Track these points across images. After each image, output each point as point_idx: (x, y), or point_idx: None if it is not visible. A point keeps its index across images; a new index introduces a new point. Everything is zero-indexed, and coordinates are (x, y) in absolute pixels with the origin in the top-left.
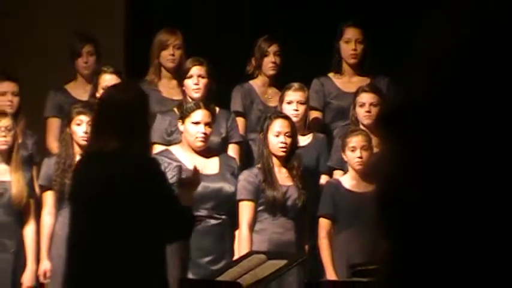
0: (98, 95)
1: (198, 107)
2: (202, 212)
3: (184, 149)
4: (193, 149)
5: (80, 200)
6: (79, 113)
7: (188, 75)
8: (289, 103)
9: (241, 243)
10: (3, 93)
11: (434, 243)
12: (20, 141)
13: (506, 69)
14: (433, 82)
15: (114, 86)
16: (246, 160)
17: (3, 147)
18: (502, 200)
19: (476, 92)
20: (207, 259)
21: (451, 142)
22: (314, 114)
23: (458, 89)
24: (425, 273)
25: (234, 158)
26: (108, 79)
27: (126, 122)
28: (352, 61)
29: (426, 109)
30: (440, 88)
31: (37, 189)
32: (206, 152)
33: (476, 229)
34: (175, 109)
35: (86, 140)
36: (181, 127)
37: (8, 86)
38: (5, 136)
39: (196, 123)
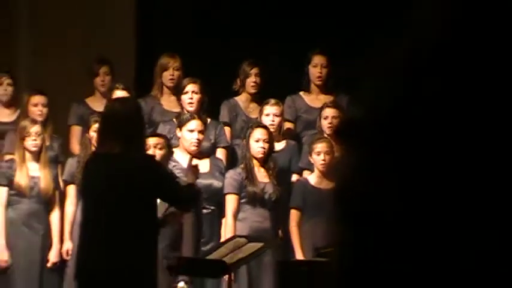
0: None
1: (193, 118)
2: None
3: (181, 151)
4: (188, 152)
5: (90, 192)
6: (96, 122)
7: (184, 91)
8: (267, 115)
9: (227, 229)
10: (35, 105)
11: (375, 231)
12: (47, 144)
13: (453, 84)
14: (380, 99)
15: (114, 100)
16: (232, 161)
17: (34, 149)
18: (430, 196)
19: (418, 108)
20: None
21: (391, 151)
22: (287, 125)
23: (401, 105)
24: (367, 257)
25: (222, 160)
26: (120, 94)
27: (126, 131)
28: (318, 82)
29: (368, 125)
30: (384, 105)
31: (61, 184)
32: (199, 154)
33: (413, 223)
34: (174, 119)
35: None
36: (179, 134)
37: (39, 99)
38: (35, 140)
39: (191, 131)
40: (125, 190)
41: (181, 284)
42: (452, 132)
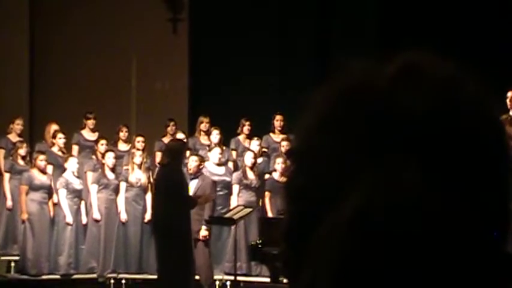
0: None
1: (215, 147)
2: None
3: (209, 164)
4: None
5: (157, 184)
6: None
7: (211, 134)
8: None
9: (233, 201)
10: (138, 141)
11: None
12: (145, 160)
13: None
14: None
15: (173, 140)
16: (236, 168)
17: (138, 163)
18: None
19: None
20: (219, 208)
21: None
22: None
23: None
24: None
25: (231, 167)
26: (180, 136)
27: (173, 156)
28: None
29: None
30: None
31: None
32: (219, 164)
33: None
34: (207, 147)
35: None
36: (208, 154)
37: (141, 138)
38: (140, 157)
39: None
40: (164, 183)
41: (204, 227)
42: None
